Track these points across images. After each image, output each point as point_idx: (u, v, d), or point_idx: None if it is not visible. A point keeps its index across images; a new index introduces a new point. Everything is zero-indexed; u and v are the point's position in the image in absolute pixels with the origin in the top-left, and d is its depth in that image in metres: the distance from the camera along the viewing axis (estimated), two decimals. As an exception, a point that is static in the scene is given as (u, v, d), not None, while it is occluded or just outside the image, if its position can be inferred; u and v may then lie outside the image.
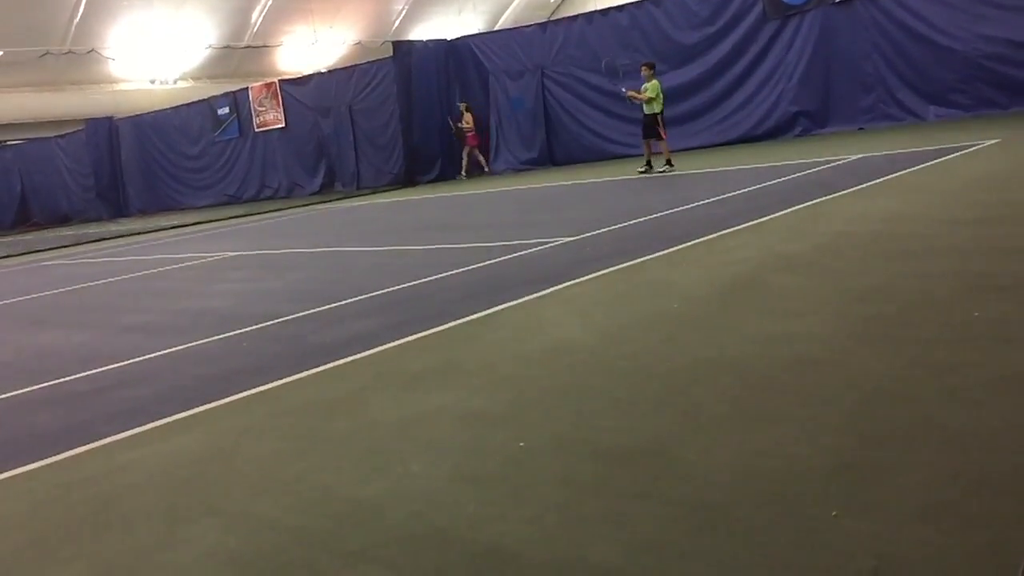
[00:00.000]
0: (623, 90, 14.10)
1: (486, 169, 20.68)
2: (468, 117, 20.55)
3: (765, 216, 7.52)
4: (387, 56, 21.48)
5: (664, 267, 6.23)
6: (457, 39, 21.92)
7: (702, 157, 15.47)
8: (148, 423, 4.19)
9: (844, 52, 15.98)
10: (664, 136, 13.68)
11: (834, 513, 2.39)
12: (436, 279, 7.00)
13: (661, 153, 13.71)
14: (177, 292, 9.03)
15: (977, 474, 2.50)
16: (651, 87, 13.59)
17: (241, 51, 31.84)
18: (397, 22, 34.39)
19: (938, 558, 2.11)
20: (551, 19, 20.21)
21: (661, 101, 13.68)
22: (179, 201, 27.51)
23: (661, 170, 13.58)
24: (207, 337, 6.04)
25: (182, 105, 27.31)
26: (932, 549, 2.15)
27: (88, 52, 28.68)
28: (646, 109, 13.66)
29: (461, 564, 2.45)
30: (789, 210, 7.70)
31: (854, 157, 11.18)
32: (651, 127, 13.69)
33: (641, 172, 13.74)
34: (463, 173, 20.74)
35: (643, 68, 13.88)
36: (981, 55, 14.47)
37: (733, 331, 4.33)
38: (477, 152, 20.81)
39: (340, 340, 5.37)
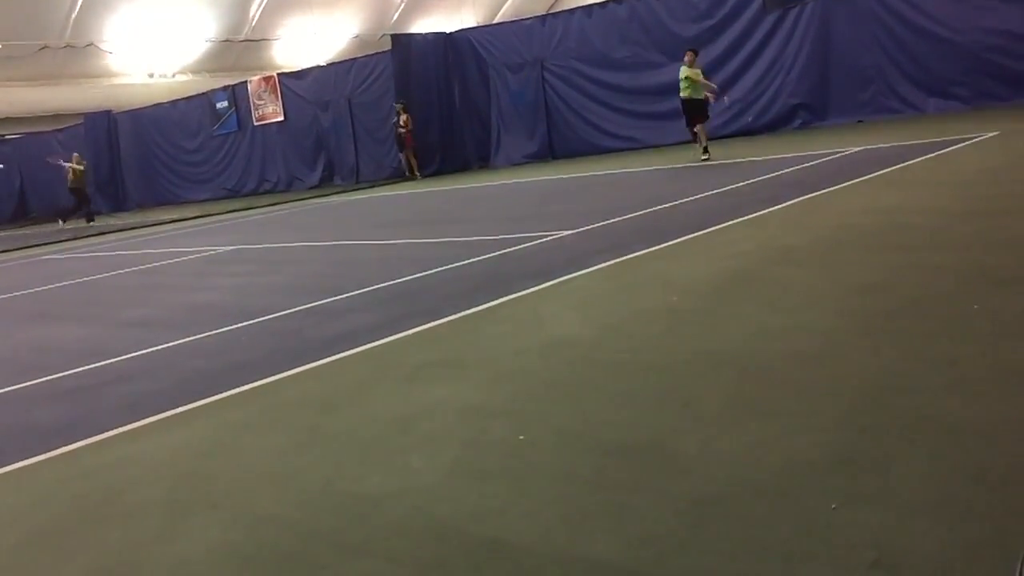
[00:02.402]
0: (724, 100, 14.33)
1: (416, 175, 20.48)
2: (405, 118, 20.16)
3: (765, 209, 7.52)
4: (386, 49, 21.44)
5: (664, 260, 6.23)
6: (456, 32, 21.87)
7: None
8: (148, 417, 4.19)
9: (844, 44, 15.96)
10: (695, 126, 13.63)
11: (834, 505, 2.40)
12: (436, 273, 7.00)
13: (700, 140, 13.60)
14: (177, 286, 9.03)
15: (977, 466, 2.51)
16: (697, 74, 13.57)
17: (240, 44, 31.75)
18: (396, 15, 34.31)
19: (938, 550, 2.12)
20: (550, 12, 20.13)
21: (684, 87, 13.48)
22: (178, 195, 27.49)
23: (703, 158, 13.35)
24: (207, 331, 6.04)
25: (181, 99, 27.27)
26: (932, 541, 2.16)
27: (86, 46, 28.60)
28: (690, 93, 13.44)
29: (461, 557, 2.45)
30: (789, 203, 7.70)
31: (854, 150, 11.17)
32: (691, 111, 13.55)
33: (704, 159, 13.32)
34: (417, 173, 20.56)
35: (688, 55, 13.66)
36: (981, 47, 14.45)
37: (733, 324, 4.34)
38: (411, 154, 20.54)
39: (340, 334, 5.37)
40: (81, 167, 22.95)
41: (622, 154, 17.63)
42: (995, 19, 14.31)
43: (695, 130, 13.62)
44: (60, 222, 23.07)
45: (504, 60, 20.35)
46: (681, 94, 13.58)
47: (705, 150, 13.38)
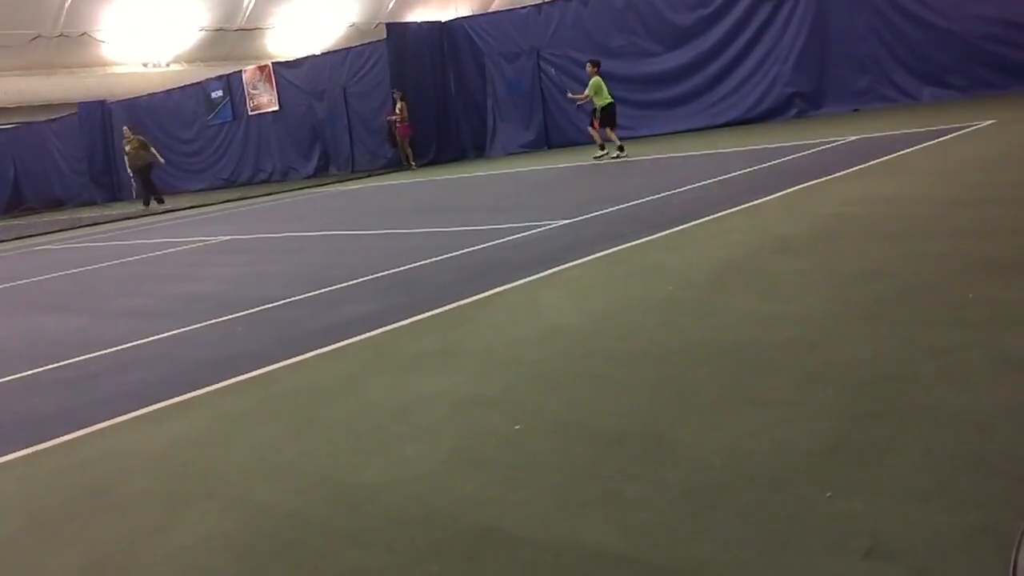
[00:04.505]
0: (568, 94, 15.17)
1: (412, 164, 20.53)
2: (402, 107, 20.15)
3: (761, 198, 7.52)
4: (381, 38, 21.36)
5: (660, 250, 6.23)
6: (452, 21, 21.80)
7: (697, 139, 15.45)
8: (144, 407, 4.18)
9: (840, 33, 15.95)
10: (597, 127, 14.52)
11: (828, 494, 2.40)
12: (432, 262, 6.99)
13: (612, 141, 14.34)
14: (172, 276, 9.02)
15: (972, 455, 2.51)
16: (592, 85, 14.38)
17: (234, 33, 31.63)
18: (391, 4, 34.18)
19: (932, 538, 2.12)
20: (546, 1, 20.08)
21: (606, 94, 14.34)
22: (173, 185, 27.38)
23: (615, 156, 14.11)
24: (202, 321, 6.04)
25: (175, 88, 27.17)
26: (926, 529, 2.16)
27: (80, 35, 28.49)
28: (597, 102, 14.37)
29: (457, 546, 2.45)
30: (785, 192, 7.69)
31: (850, 138, 11.17)
32: (611, 116, 14.37)
33: (608, 156, 14.17)
34: (412, 163, 20.53)
35: (588, 66, 14.68)
36: (977, 36, 14.45)
37: (728, 313, 4.34)
38: (407, 144, 20.54)
39: (336, 324, 5.37)
40: (129, 145, 21.38)
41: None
42: (991, 7, 14.30)
43: (601, 131, 14.47)
44: (146, 205, 21.23)
45: (500, 49, 20.29)
46: (607, 100, 14.38)
47: (617, 147, 14.16)
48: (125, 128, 22.61)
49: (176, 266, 9.76)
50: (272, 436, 3.60)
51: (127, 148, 21.68)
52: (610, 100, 14.28)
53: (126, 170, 22.44)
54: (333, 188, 18.92)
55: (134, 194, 22.44)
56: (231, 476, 3.24)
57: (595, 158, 14.29)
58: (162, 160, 21.88)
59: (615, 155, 14.08)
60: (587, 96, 14.39)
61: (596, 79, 14.28)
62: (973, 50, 14.51)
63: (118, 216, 20.08)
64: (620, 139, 14.30)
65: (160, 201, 21.38)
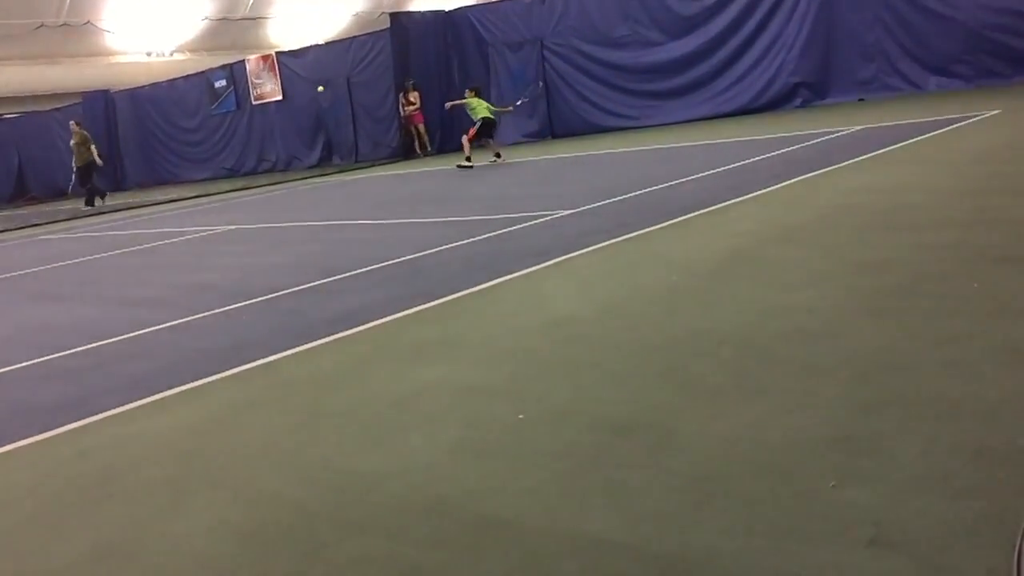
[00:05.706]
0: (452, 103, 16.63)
1: (422, 151, 20.71)
2: (415, 95, 20.32)
3: (765, 188, 7.50)
4: (385, 28, 21.30)
5: (664, 239, 6.22)
6: (455, 10, 21.72)
7: (702, 129, 15.41)
8: (149, 396, 4.20)
9: (845, 22, 15.86)
10: (471, 137, 15.45)
11: (832, 483, 2.40)
12: (435, 252, 6.99)
13: (467, 151, 15.38)
14: (177, 266, 9.03)
15: (976, 444, 2.51)
16: (466, 102, 15.92)
17: (238, 23, 31.52)
18: (395, -7, 34.05)
19: (936, 527, 2.13)
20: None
21: (482, 111, 15.46)
22: (177, 175, 27.41)
23: (462, 164, 15.14)
24: (207, 311, 6.05)
25: (179, 78, 27.12)
26: (930, 518, 2.17)
27: (84, 24, 28.40)
28: (477, 114, 15.53)
29: (461, 534, 2.46)
30: (789, 182, 7.67)
31: (855, 128, 11.13)
32: (485, 131, 15.59)
33: (493, 160, 15.33)
34: (428, 148, 20.66)
35: (467, 92, 16.12)
36: (983, 25, 14.37)
37: (733, 303, 4.34)
38: (421, 130, 20.74)
39: (339, 314, 5.37)
40: (74, 140, 21.03)
41: (622, 133, 17.56)
42: (997, -4, 14.23)
43: (469, 141, 15.45)
44: (89, 204, 20.94)
45: (503, 38, 20.22)
46: (484, 116, 15.42)
47: (466, 157, 15.14)
48: (72, 123, 22.10)
49: (181, 255, 9.77)
50: (276, 425, 3.61)
51: (72, 143, 21.42)
52: (490, 116, 15.58)
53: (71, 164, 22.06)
54: (337, 178, 18.91)
55: (70, 189, 22.34)
56: (236, 465, 3.25)
57: (497, 157, 15.39)
58: (100, 161, 21.42)
59: (462, 163, 15.09)
60: (461, 104, 16.01)
61: (471, 100, 15.70)
62: (979, 39, 14.43)
63: (122, 206, 20.08)
64: (499, 151, 15.52)
65: (102, 197, 21.17)
